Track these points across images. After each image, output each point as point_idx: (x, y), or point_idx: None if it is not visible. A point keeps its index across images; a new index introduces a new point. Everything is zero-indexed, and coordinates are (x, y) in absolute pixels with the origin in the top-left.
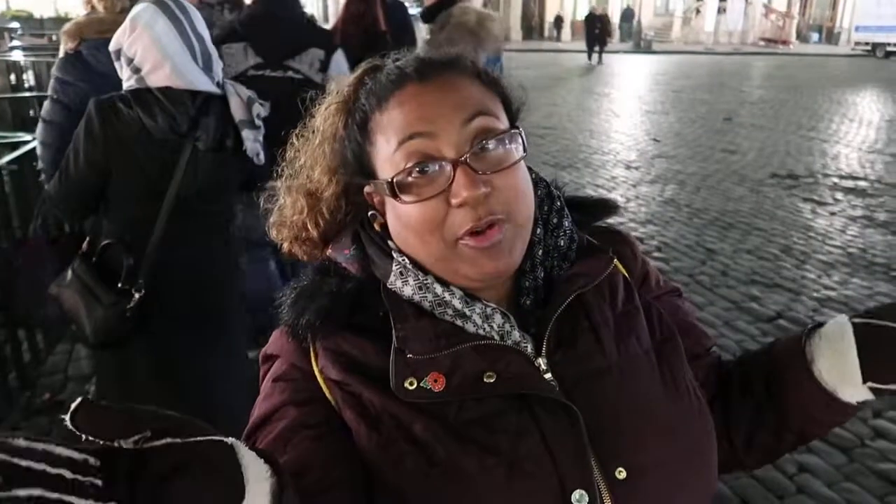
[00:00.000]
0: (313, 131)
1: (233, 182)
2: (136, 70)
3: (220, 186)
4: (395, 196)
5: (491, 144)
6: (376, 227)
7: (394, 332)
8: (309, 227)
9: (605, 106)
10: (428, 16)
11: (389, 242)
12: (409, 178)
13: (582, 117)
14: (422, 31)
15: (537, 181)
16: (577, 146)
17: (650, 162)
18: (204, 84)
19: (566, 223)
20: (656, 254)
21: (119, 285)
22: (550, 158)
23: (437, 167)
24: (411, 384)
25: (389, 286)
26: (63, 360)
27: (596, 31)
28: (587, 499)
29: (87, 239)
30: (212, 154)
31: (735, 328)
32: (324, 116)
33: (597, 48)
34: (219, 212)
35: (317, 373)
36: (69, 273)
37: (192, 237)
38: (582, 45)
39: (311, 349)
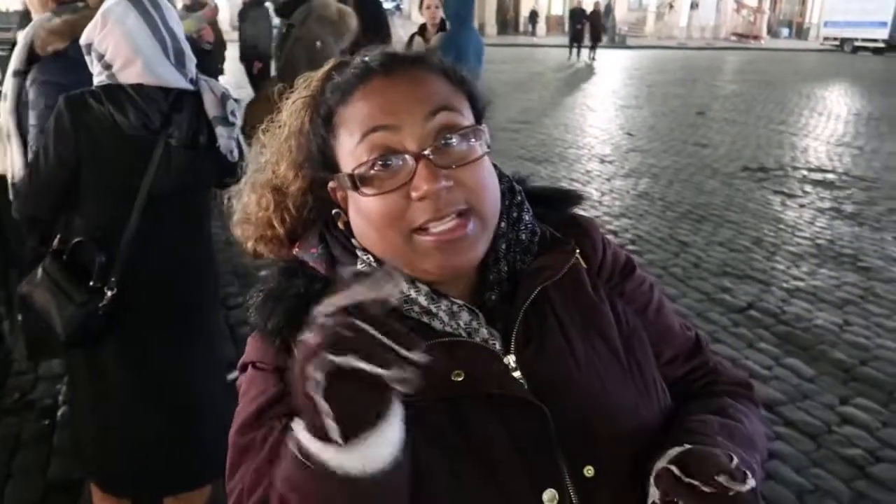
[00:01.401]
0: (280, 126)
1: (207, 179)
2: (108, 66)
3: (193, 183)
4: (356, 188)
5: (454, 140)
6: (340, 225)
7: None
8: (275, 223)
9: (580, 100)
10: (284, 10)
11: (353, 241)
12: (371, 171)
13: (557, 112)
14: (397, 25)
15: (500, 176)
16: (553, 140)
17: (624, 156)
18: (176, 81)
19: (527, 217)
20: (630, 247)
21: (91, 283)
22: (526, 153)
23: (399, 160)
24: None
25: None
26: None
27: (578, 27)
28: (557, 498)
29: (59, 236)
30: (185, 151)
31: (708, 319)
32: (290, 111)
33: (588, 45)
34: (193, 209)
35: None
36: (40, 271)
37: (166, 234)
38: (557, 39)
39: (296, 349)
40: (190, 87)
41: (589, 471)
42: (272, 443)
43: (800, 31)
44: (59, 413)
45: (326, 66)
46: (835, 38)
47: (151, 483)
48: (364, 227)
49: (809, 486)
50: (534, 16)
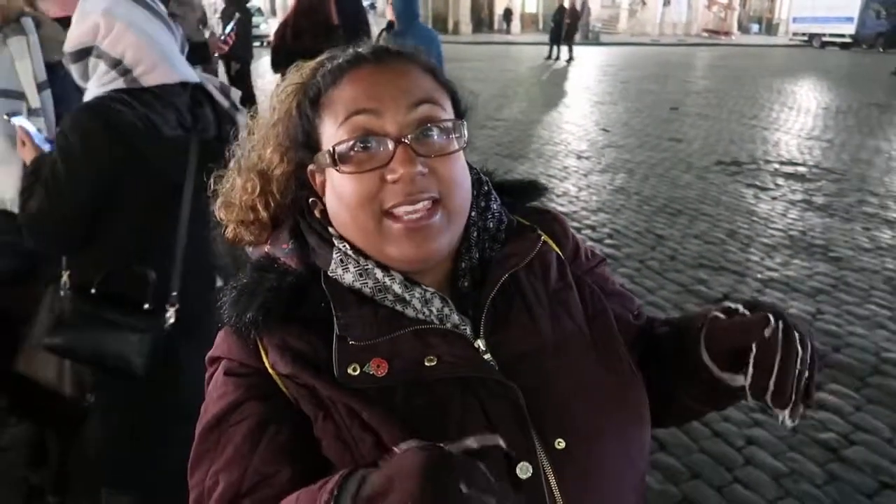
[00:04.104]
0: (271, 110)
1: None
2: (126, 70)
3: None
4: (334, 164)
5: (434, 131)
6: (316, 214)
7: (335, 319)
8: (259, 207)
9: (556, 97)
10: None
11: (330, 229)
12: (351, 151)
13: (533, 109)
14: (371, 23)
15: (468, 167)
16: (529, 137)
17: (600, 151)
18: (192, 75)
19: (494, 206)
20: (608, 241)
21: (146, 306)
22: (503, 150)
23: (378, 143)
24: (355, 370)
25: (330, 274)
26: None
27: (552, 24)
28: (531, 469)
29: (68, 273)
30: (216, 144)
31: (684, 311)
32: (281, 96)
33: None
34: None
35: (269, 368)
36: (71, 314)
37: (204, 236)
38: (532, 37)
39: (260, 346)
40: (198, 79)
41: (560, 443)
42: (233, 447)
43: (769, 27)
44: None
45: (320, 57)
46: (803, 34)
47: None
48: (338, 209)
49: (786, 470)
50: (508, 14)
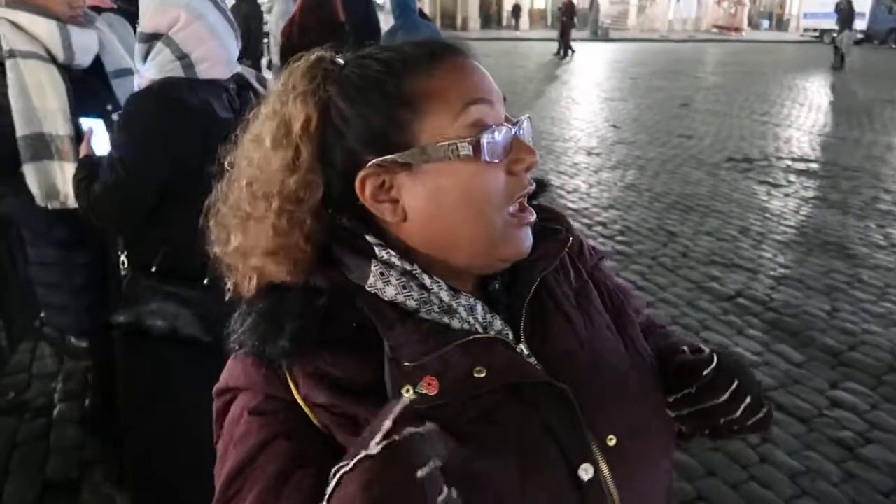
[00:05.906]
0: (283, 127)
1: None
2: (190, 64)
3: None
4: (477, 155)
5: (526, 123)
6: (345, 223)
7: (385, 341)
8: (300, 243)
9: (565, 93)
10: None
11: (368, 238)
12: (485, 140)
13: (542, 105)
14: (384, 21)
15: None
16: (539, 133)
17: (611, 148)
18: (237, 65)
19: None
20: (619, 237)
21: (205, 281)
22: None
23: (506, 132)
24: (407, 391)
25: (369, 289)
26: (27, 359)
27: (564, 19)
28: (592, 470)
29: (125, 253)
30: None
31: (697, 307)
32: (291, 113)
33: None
34: None
35: (300, 401)
36: (136, 290)
37: None
38: (541, 33)
39: (289, 377)
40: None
41: (611, 440)
42: (256, 493)
43: (780, 23)
44: (55, 412)
45: (311, 59)
46: (814, 30)
47: None
48: (450, 211)
49: (802, 468)
50: (517, 10)
